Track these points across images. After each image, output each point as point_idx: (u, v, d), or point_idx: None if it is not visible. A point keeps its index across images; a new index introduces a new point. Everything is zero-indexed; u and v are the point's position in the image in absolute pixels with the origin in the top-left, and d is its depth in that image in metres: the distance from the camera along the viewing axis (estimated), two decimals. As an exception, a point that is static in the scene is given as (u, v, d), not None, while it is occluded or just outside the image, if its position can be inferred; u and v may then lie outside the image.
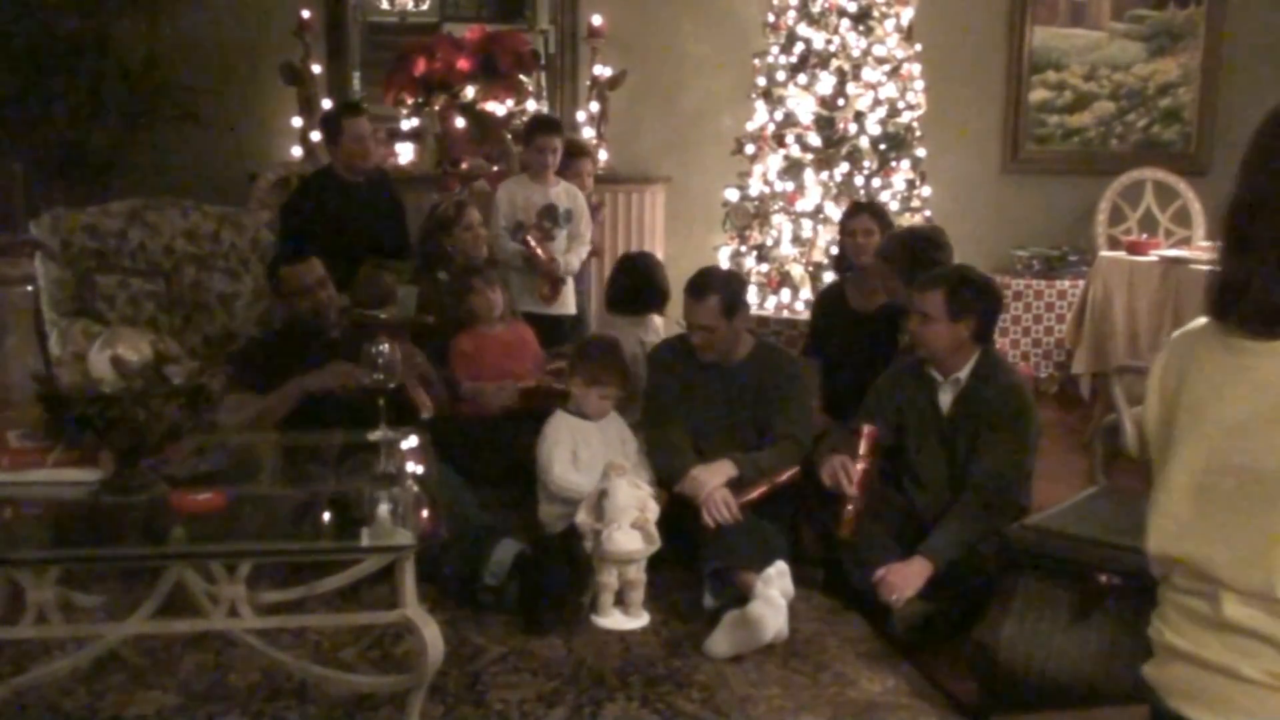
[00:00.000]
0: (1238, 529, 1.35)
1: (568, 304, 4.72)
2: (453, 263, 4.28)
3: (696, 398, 3.48)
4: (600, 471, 3.17)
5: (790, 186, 5.27)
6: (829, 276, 5.18)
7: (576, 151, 5.09)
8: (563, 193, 4.71)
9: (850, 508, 3.07)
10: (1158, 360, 1.49)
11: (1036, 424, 3.22)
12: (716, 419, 3.47)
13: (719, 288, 3.40)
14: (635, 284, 4.17)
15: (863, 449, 3.12)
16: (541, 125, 4.81)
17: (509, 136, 5.37)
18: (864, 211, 4.21)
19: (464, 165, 5.45)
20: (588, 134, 5.71)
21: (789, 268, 5.29)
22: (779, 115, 5.31)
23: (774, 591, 2.88)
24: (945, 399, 3.22)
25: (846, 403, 3.58)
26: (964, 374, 3.20)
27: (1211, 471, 1.38)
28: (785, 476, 3.31)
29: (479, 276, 4.04)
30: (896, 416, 3.29)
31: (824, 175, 5.23)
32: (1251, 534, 1.34)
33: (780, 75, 5.30)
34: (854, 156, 5.20)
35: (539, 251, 4.52)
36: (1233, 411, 1.36)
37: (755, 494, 3.24)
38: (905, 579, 2.95)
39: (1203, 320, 1.44)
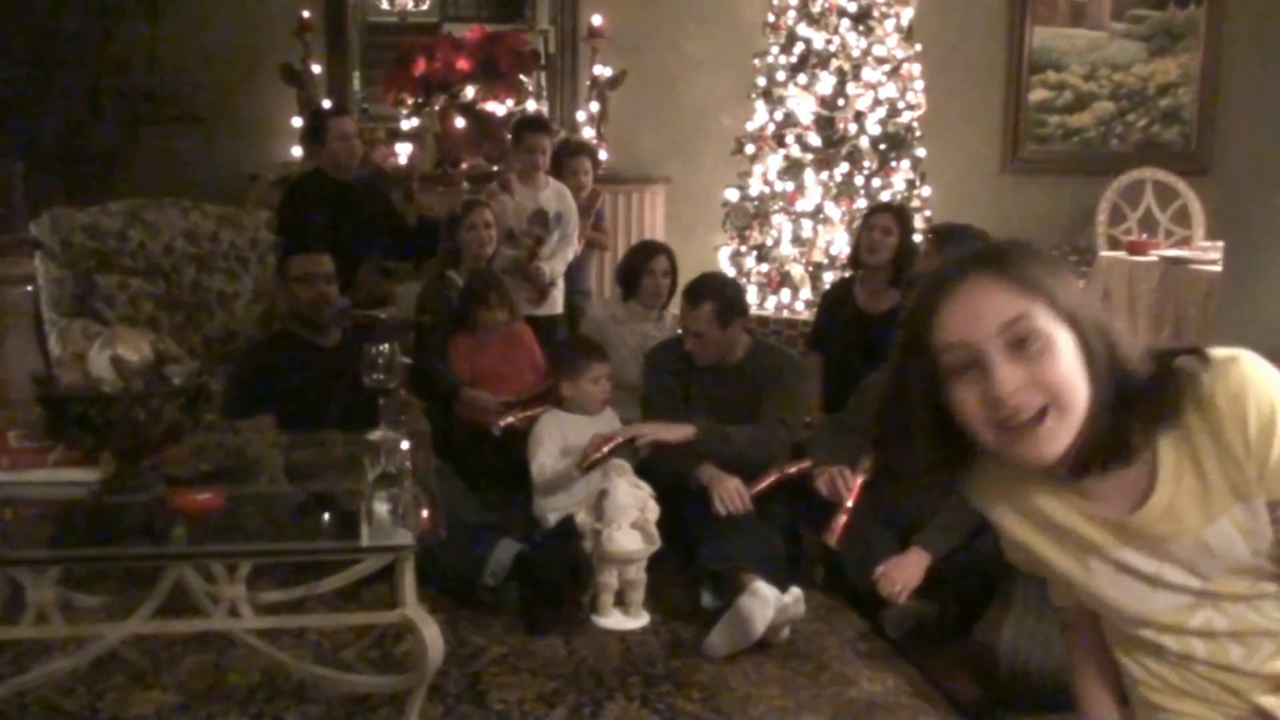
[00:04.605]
0: None
1: (555, 304, 4.73)
2: (460, 262, 4.28)
3: (693, 398, 3.49)
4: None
5: (790, 186, 5.27)
6: (829, 276, 5.19)
7: (574, 150, 5.08)
8: (552, 195, 4.70)
9: (843, 518, 3.05)
10: None
11: None
12: (713, 418, 3.46)
13: (714, 294, 3.41)
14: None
15: (866, 463, 3.09)
16: (529, 125, 4.81)
17: (509, 137, 5.36)
18: (888, 211, 4.24)
19: (464, 165, 5.45)
20: (588, 134, 5.71)
21: (789, 268, 5.29)
22: (779, 115, 5.31)
23: (760, 583, 2.87)
24: None
25: (844, 403, 3.58)
26: None
27: None
28: (794, 469, 3.31)
29: (495, 293, 4.04)
30: None
31: (824, 175, 5.23)
32: None
33: (780, 75, 5.30)
34: (854, 156, 5.20)
35: (535, 262, 4.53)
36: None
37: (765, 484, 3.25)
38: (905, 572, 2.94)
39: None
